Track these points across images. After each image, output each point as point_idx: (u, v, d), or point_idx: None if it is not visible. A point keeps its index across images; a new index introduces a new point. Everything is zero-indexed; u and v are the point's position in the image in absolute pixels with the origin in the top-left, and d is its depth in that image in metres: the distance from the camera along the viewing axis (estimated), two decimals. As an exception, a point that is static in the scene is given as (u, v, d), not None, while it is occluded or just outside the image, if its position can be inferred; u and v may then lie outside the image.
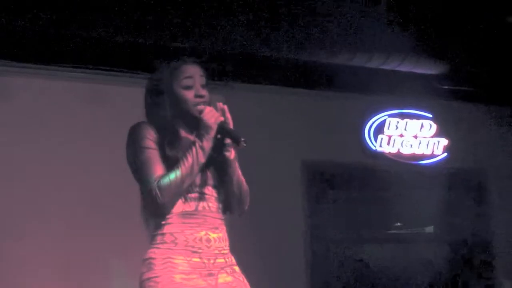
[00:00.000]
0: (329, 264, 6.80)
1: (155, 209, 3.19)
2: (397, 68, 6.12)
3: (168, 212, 3.19)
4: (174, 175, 3.12)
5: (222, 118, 3.21)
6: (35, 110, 5.87)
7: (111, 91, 6.02)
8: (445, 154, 7.04)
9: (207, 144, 3.18)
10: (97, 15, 5.28)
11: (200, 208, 3.23)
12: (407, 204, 6.94)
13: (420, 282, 7.21)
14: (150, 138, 3.20)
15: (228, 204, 3.40)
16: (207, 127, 3.18)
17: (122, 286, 5.58)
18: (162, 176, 3.11)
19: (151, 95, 3.36)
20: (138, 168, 3.18)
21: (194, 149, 3.15)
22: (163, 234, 3.21)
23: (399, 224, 7.26)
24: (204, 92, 3.26)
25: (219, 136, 3.25)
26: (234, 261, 3.38)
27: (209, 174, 3.32)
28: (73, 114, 5.93)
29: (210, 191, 3.31)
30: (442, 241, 7.32)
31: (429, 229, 7.36)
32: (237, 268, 3.35)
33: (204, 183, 3.27)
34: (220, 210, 3.35)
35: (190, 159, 3.15)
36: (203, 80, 3.30)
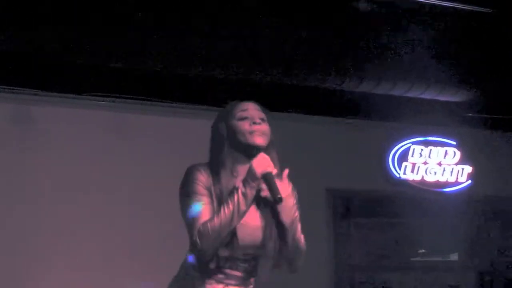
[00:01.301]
0: None
1: (196, 255, 3.13)
2: (421, 96, 6.06)
3: (209, 257, 3.10)
4: (213, 221, 3.03)
5: (271, 170, 3.08)
6: (67, 138, 5.91)
7: (138, 121, 6.07)
8: (469, 181, 7.00)
9: (251, 192, 3.06)
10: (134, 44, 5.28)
11: (226, 267, 3.17)
12: (431, 231, 6.94)
13: None
14: (201, 182, 3.13)
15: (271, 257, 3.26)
16: (253, 174, 3.07)
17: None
18: (204, 222, 3.05)
19: (212, 136, 3.30)
20: (185, 212, 3.13)
21: (236, 196, 3.04)
22: (187, 277, 3.22)
23: (423, 251, 7.20)
24: (259, 120, 3.16)
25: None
26: None
27: (240, 234, 3.19)
28: (102, 143, 5.97)
29: (240, 250, 3.19)
30: (466, 269, 7.27)
31: (454, 256, 7.33)
32: None
33: (231, 242, 3.16)
34: (249, 270, 3.23)
35: (231, 206, 3.04)
36: (260, 114, 3.20)
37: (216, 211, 3.03)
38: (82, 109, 6.00)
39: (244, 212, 3.05)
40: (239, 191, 3.02)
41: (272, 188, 3.02)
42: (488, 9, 5.43)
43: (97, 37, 5.17)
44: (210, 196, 3.10)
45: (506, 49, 5.69)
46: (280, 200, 3.02)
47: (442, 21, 5.50)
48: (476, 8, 5.42)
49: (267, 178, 3.02)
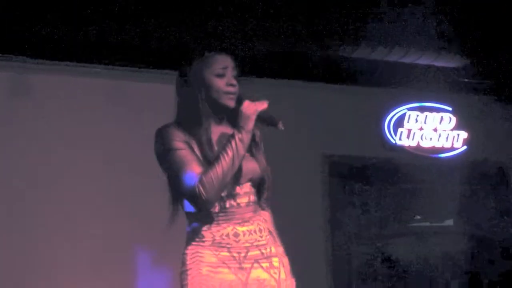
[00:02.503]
0: (350, 258, 6.87)
1: (199, 206, 3.15)
2: (417, 62, 6.12)
3: (212, 207, 3.16)
4: (215, 170, 3.07)
5: (261, 107, 3.16)
6: (56, 106, 5.92)
7: (130, 87, 6.12)
8: (465, 147, 7.02)
9: (246, 136, 3.13)
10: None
11: (227, 205, 3.20)
12: (427, 197, 6.98)
13: (440, 275, 7.16)
14: (178, 139, 3.17)
15: (259, 194, 3.34)
16: (247, 118, 3.13)
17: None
18: (203, 173, 3.06)
19: (181, 89, 3.32)
20: (174, 170, 3.15)
21: (233, 142, 3.09)
22: (192, 232, 3.22)
23: (419, 217, 7.25)
24: (235, 82, 3.22)
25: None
26: (276, 251, 3.34)
27: (244, 170, 3.27)
28: (94, 111, 6.01)
29: (241, 189, 3.27)
30: (461, 234, 7.29)
31: (449, 222, 7.36)
32: (276, 262, 3.30)
33: (233, 181, 3.22)
34: (251, 203, 3.29)
35: (230, 153, 3.09)
36: (234, 72, 3.25)
37: (214, 160, 3.08)
38: (78, 77, 6.00)
39: (243, 156, 3.11)
40: (236, 138, 3.08)
41: (270, 120, 3.13)
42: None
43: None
44: (191, 148, 3.14)
45: (503, 15, 5.65)
46: (282, 124, 3.11)
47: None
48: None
49: (262, 116, 3.14)
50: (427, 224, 7.24)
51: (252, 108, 3.14)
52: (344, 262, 6.76)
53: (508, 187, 7.42)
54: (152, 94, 6.00)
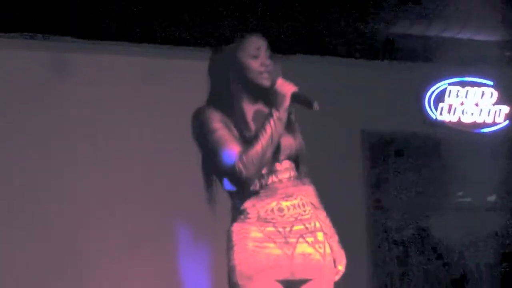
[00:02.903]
0: (390, 232, 6.86)
1: (240, 184, 3.20)
2: (458, 36, 6.06)
3: (252, 184, 3.20)
4: (254, 148, 3.12)
5: (295, 88, 3.17)
6: (95, 86, 5.96)
7: (164, 65, 6.11)
8: (507, 122, 7.00)
9: (284, 114, 3.17)
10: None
11: (269, 182, 3.23)
12: (468, 173, 6.87)
13: (483, 250, 7.15)
14: (215, 120, 3.21)
15: (298, 169, 3.37)
16: (282, 97, 3.17)
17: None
18: (242, 152, 3.11)
19: (214, 71, 3.37)
20: (214, 150, 3.19)
21: (271, 120, 3.14)
22: (237, 210, 3.26)
23: (460, 193, 7.21)
24: (269, 61, 3.25)
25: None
26: (321, 226, 3.36)
27: (283, 147, 3.29)
28: (133, 90, 6.04)
29: (281, 165, 3.29)
30: (504, 210, 7.24)
31: (491, 198, 7.32)
32: (321, 236, 3.31)
33: (273, 158, 3.26)
34: (292, 178, 3.31)
35: (268, 130, 3.14)
36: (268, 52, 3.28)
37: (253, 138, 3.13)
38: (115, 55, 6.04)
39: (281, 134, 3.15)
40: (274, 116, 3.12)
41: (305, 100, 3.16)
42: None
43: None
44: (228, 128, 3.18)
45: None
46: (317, 105, 3.13)
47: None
48: None
49: (297, 96, 3.15)
50: (469, 200, 7.20)
51: (287, 87, 3.18)
52: (383, 236, 6.77)
53: None
54: (186, 72, 5.90)
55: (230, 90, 3.27)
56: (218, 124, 3.19)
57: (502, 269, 7.26)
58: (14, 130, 5.76)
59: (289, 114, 3.28)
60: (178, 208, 5.92)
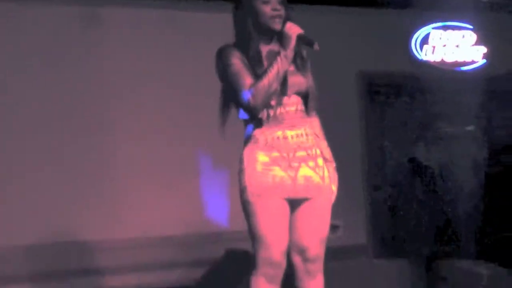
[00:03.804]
0: (383, 160, 7.07)
1: (250, 111, 3.43)
2: None
3: (260, 113, 3.40)
4: (262, 81, 3.31)
5: (301, 30, 3.33)
6: (121, 35, 6.07)
7: (187, 17, 6.20)
8: (484, 60, 7.17)
9: (290, 53, 3.33)
10: None
11: (277, 113, 3.43)
12: (450, 106, 7.13)
13: (462, 171, 7.36)
14: (235, 56, 3.42)
15: (306, 104, 3.52)
16: (289, 38, 3.32)
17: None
18: (252, 84, 3.31)
19: (235, 16, 3.54)
20: (230, 81, 3.41)
21: (279, 58, 3.31)
22: (248, 136, 3.47)
23: (443, 124, 7.41)
24: (279, 6, 3.37)
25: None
26: (321, 152, 3.55)
27: (290, 82, 3.48)
28: (154, 38, 6.12)
29: (289, 100, 3.49)
30: (480, 139, 7.46)
31: (470, 128, 7.48)
32: (321, 161, 3.50)
33: (281, 92, 3.43)
34: (298, 111, 3.51)
35: (276, 66, 3.31)
36: (281, 0, 3.40)
37: (262, 73, 3.32)
38: (141, 8, 6.10)
39: (286, 70, 3.35)
40: (281, 54, 3.32)
41: (308, 41, 3.33)
42: None
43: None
44: (245, 63, 3.38)
45: None
46: (317, 45, 3.30)
47: None
48: None
49: (301, 37, 3.33)
50: (451, 130, 7.37)
51: (293, 29, 3.32)
52: (378, 163, 6.93)
53: None
54: (206, 23, 6.06)
55: (247, 33, 3.44)
56: (236, 60, 3.38)
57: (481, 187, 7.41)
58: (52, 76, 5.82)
59: (302, 54, 3.49)
60: (200, 139, 5.98)
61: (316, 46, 3.35)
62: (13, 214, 5.59)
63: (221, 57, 3.49)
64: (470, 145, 7.48)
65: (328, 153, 3.58)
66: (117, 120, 6.00)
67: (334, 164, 3.59)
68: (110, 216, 5.83)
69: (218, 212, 6.05)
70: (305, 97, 3.54)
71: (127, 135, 6.01)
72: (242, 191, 3.48)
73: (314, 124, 3.59)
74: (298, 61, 3.53)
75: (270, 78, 3.35)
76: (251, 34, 3.47)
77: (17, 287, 5.52)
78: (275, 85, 3.37)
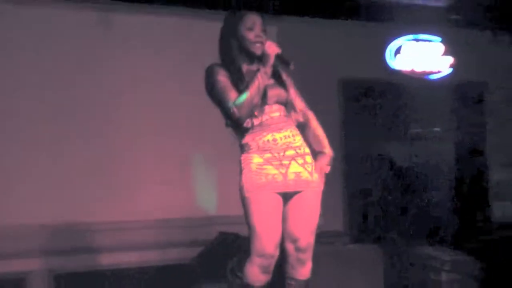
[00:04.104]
0: (361, 158, 6.95)
1: (235, 122, 3.45)
2: (414, 2, 6.39)
3: (244, 122, 3.42)
4: (245, 95, 3.33)
5: (279, 50, 3.37)
6: (133, 39, 6.00)
7: (191, 25, 6.11)
8: (451, 69, 7.13)
9: (269, 70, 3.37)
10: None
11: (263, 120, 3.45)
12: (419, 110, 7.09)
13: (430, 169, 7.31)
14: (222, 74, 3.44)
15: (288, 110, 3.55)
16: (268, 56, 3.37)
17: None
18: (237, 98, 3.34)
19: (222, 39, 3.56)
20: (217, 96, 3.44)
21: (259, 74, 3.35)
22: (242, 144, 3.50)
23: (413, 125, 7.35)
24: (262, 34, 3.45)
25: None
26: (307, 149, 3.54)
27: (270, 94, 3.48)
28: (161, 43, 6.06)
29: (272, 108, 3.49)
30: (445, 138, 7.41)
31: (436, 129, 7.41)
32: (309, 158, 3.50)
33: (262, 102, 3.44)
34: (282, 116, 3.51)
35: (256, 82, 3.34)
36: (262, 26, 3.48)
37: (244, 87, 3.33)
38: (150, 16, 6.04)
39: (266, 84, 3.38)
40: (261, 71, 3.35)
41: (284, 61, 3.39)
42: None
43: None
44: (230, 81, 3.40)
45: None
46: (292, 65, 3.37)
47: None
48: None
49: (279, 56, 3.37)
50: (419, 130, 7.29)
51: (272, 48, 3.36)
52: (357, 163, 6.86)
53: (483, 102, 7.47)
54: (209, 30, 6.03)
55: (232, 54, 3.48)
56: (222, 77, 3.41)
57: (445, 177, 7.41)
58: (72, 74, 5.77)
59: (281, 72, 3.52)
60: (198, 136, 5.99)
61: (292, 66, 3.40)
62: (36, 194, 5.56)
63: (209, 75, 3.50)
64: (436, 144, 7.41)
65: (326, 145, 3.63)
66: (126, 115, 5.95)
67: (331, 154, 3.63)
68: (121, 201, 5.82)
69: (212, 199, 6.03)
70: (285, 105, 3.55)
71: (136, 129, 5.96)
72: (240, 189, 3.47)
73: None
74: (277, 76, 3.54)
75: (252, 92, 3.36)
76: (235, 55, 3.49)
77: (37, 261, 5.50)
78: (257, 99, 3.38)
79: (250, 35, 3.47)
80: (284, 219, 3.52)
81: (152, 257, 5.79)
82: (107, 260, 5.67)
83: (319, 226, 5.75)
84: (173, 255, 5.79)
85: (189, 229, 5.83)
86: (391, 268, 5.31)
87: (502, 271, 6.00)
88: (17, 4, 5.60)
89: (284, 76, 3.58)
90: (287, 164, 3.46)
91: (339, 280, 5.04)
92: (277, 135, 3.47)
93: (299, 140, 3.52)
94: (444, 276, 5.21)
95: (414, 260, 5.44)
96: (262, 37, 3.46)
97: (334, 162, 6.32)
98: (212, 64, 3.53)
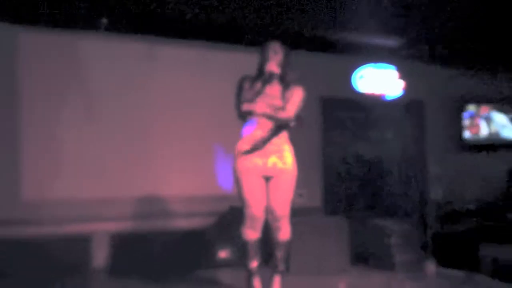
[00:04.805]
0: (336, 157, 6.85)
1: (242, 117, 3.60)
2: (375, 42, 6.21)
3: (247, 118, 3.53)
4: (251, 105, 3.49)
5: (272, 69, 3.48)
6: (173, 68, 5.86)
7: (217, 57, 5.99)
8: (402, 91, 6.98)
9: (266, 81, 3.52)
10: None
11: (259, 121, 3.56)
12: (378, 121, 7.05)
13: (385, 162, 7.22)
14: (247, 83, 3.57)
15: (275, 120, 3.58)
16: (271, 75, 3.53)
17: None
18: (247, 102, 3.51)
19: (259, 61, 3.65)
20: (238, 95, 3.59)
21: (265, 85, 3.52)
22: (242, 135, 3.61)
23: (373, 132, 7.16)
24: (275, 55, 3.54)
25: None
26: (286, 147, 3.58)
27: (271, 103, 3.58)
28: (193, 70, 5.93)
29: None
30: (396, 140, 7.26)
31: (390, 134, 7.23)
32: (287, 154, 3.55)
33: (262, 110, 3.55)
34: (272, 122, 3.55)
35: (264, 113, 3.51)
36: (278, 49, 3.56)
37: (253, 96, 3.45)
38: (185, 49, 5.88)
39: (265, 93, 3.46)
40: (266, 84, 3.50)
41: (284, 80, 3.52)
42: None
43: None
44: (249, 89, 3.50)
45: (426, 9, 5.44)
46: (287, 87, 3.48)
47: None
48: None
49: (271, 76, 3.49)
50: (379, 135, 7.15)
51: (269, 66, 3.49)
52: (332, 157, 6.77)
53: (423, 116, 7.34)
54: (229, 61, 5.84)
55: (261, 72, 3.59)
56: (246, 85, 3.55)
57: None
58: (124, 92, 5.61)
59: (290, 88, 3.58)
60: (215, 134, 5.88)
61: (295, 91, 3.59)
62: (101, 176, 5.50)
63: (239, 82, 3.61)
64: (389, 144, 7.30)
65: (290, 149, 3.60)
66: (166, 122, 5.84)
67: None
68: (161, 182, 5.72)
69: (225, 181, 5.84)
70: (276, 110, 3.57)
71: (174, 132, 5.87)
72: (234, 170, 3.55)
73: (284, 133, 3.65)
74: (282, 89, 3.59)
75: (253, 110, 3.51)
76: (259, 72, 3.59)
77: (99, 225, 5.39)
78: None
79: (266, 56, 3.56)
80: (267, 196, 3.54)
81: (179, 224, 5.68)
82: (147, 225, 5.55)
83: (302, 203, 5.93)
84: (197, 223, 5.67)
85: (208, 203, 5.77)
86: (355, 235, 5.30)
87: (434, 237, 6.17)
88: (86, 39, 5.52)
89: (289, 93, 3.57)
90: (268, 155, 3.50)
91: (317, 244, 5.03)
92: (264, 133, 3.52)
93: (279, 140, 3.54)
94: (393, 240, 5.18)
95: (372, 228, 5.41)
96: (271, 57, 3.52)
97: (315, 157, 6.52)
98: (244, 75, 3.60)
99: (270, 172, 3.54)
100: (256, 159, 3.48)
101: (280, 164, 3.52)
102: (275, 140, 3.53)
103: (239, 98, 3.56)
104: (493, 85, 7.54)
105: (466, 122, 7.43)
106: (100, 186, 5.40)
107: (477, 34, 6.04)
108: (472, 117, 7.47)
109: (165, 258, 5.28)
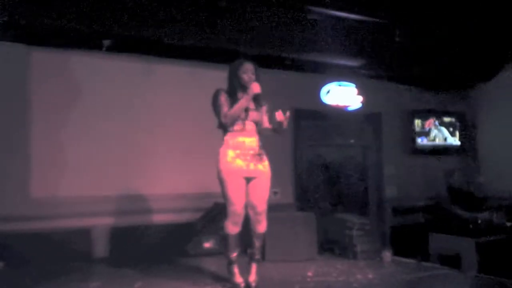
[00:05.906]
0: (306, 160, 6.79)
1: (223, 126, 3.53)
2: (339, 62, 6.07)
3: (229, 128, 3.47)
4: (232, 111, 3.41)
5: (259, 91, 3.44)
6: (166, 83, 5.73)
7: (203, 73, 5.81)
8: (361, 104, 6.85)
9: (250, 97, 3.45)
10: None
11: (241, 128, 3.51)
12: (341, 128, 7.02)
13: (347, 165, 7.13)
14: (223, 95, 3.52)
15: (259, 127, 3.62)
16: (251, 91, 3.46)
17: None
18: (227, 111, 3.43)
19: (229, 76, 3.58)
20: (216, 108, 3.50)
21: (242, 100, 3.45)
22: (223, 140, 3.53)
23: (337, 138, 7.09)
24: (253, 76, 3.50)
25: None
26: (263, 152, 3.56)
27: (250, 114, 3.55)
28: (181, 85, 5.81)
29: (248, 123, 3.54)
30: (357, 147, 7.21)
31: (351, 140, 7.22)
32: (264, 158, 3.55)
33: (244, 118, 3.53)
34: (253, 129, 3.57)
35: (240, 103, 3.44)
36: (253, 71, 3.52)
37: (233, 106, 3.38)
38: (177, 66, 5.77)
39: (246, 107, 3.41)
40: (244, 98, 3.43)
41: (258, 101, 3.47)
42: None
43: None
44: (227, 102, 3.44)
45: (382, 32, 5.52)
46: (264, 104, 3.45)
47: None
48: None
49: (257, 95, 3.45)
50: (340, 141, 7.08)
51: (255, 88, 3.45)
52: (302, 160, 6.69)
53: (380, 125, 7.26)
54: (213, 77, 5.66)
55: (233, 86, 3.54)
56: (222, 98, 3.48)
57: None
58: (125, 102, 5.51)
59: (261, 104, 3.53)
60: (202, 138, 5.59)
61: (265, 107, 3.52)
62: (101, 177, 5.36)
63: (215, 94, 3.54)
64: (351, 149, 7.26)
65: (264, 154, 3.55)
66: (159, 129, 5.71)
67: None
68: (154, 182, 5.59)
69: (210, 180, 5.79)
70: (257, 123, 3.59)
71: (165, 137, 5.73)
72: (218, 172, 3.47)
73: (261, 136, 3.62)
74: (256, 104, 3.55)
75: (236, 110, 3.43)
76: (234, 87, 3.51)
77: (98, 219, 5.26)
78: (238, 114, 3.43)
79: (245, 76, 3.48)
80: (246, 194, 3.50)
81: (171, 218, 5.56)
82: (141, 219, 5.44)
83: (276, 200, 5.86)
84: (185, 217, 5.56)
85: (195, 200, 5.64)
86: (322, 227, 5.23)
87: (390, 229, 6.19)
88: (89, 56, 5.40)
89: (262, 108, 3.58)
90: (249, 159, 3.46)
91: (288, 235, 4.97)
92: (247, 140, 3.47)
93: (258, 146, 3.52)
94: (354, 232, 5.12)
95: (336, 222, 5.34)
96: (252, 77, 3.47)
97: (288, 160, 6.40)
98: (218, 89, 3.52)
99: (252, 174, 3.50)
100: (239, 162, 3.42)
101: (260, 167, 3.48)
102: (255, 146, 3.49)
103: (218, 109, 3.51)
104: (438, 101, 7.56)
105: (416, 130, 7.39)
106: (100, 185, 5.30)
107: (423, 58, 6.18)
108: (421, 126, 7.44)
109: (157, 248, 5.21)
